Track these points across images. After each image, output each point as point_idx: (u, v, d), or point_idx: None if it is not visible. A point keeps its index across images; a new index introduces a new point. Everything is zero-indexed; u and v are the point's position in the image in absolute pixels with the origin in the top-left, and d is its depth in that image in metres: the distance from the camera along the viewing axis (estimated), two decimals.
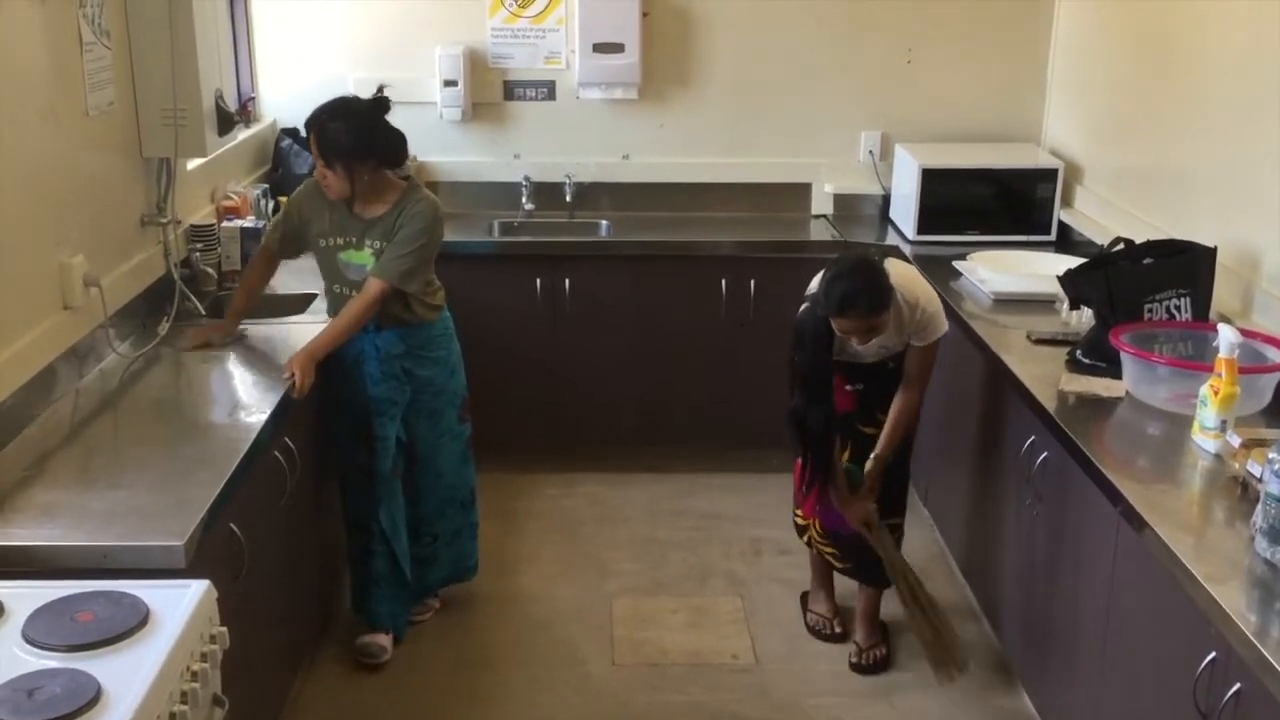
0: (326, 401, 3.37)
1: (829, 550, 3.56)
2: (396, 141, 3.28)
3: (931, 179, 4.47)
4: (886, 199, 4.87)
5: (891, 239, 4.60)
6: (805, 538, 3.63)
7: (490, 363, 4.43)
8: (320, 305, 3.59)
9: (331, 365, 3.27)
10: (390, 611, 3.54)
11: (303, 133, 3.47)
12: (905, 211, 4.60)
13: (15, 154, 2.78)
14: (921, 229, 4.50)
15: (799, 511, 3.61)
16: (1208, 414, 2.66)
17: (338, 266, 3.33)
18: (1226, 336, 2.69)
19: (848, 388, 3.36)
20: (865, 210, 4.93)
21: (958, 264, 4.08)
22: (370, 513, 3.44)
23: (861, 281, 3.03)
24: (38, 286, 2.90)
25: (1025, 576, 3.25)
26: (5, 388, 2.68)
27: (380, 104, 3.25)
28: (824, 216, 4.89)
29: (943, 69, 4.81)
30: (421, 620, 3.70)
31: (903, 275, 3.23)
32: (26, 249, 2.84)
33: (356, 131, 3.18)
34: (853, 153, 4.91)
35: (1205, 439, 2.67)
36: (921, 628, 3.32)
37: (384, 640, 3.53)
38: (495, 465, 4.46)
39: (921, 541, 4.05)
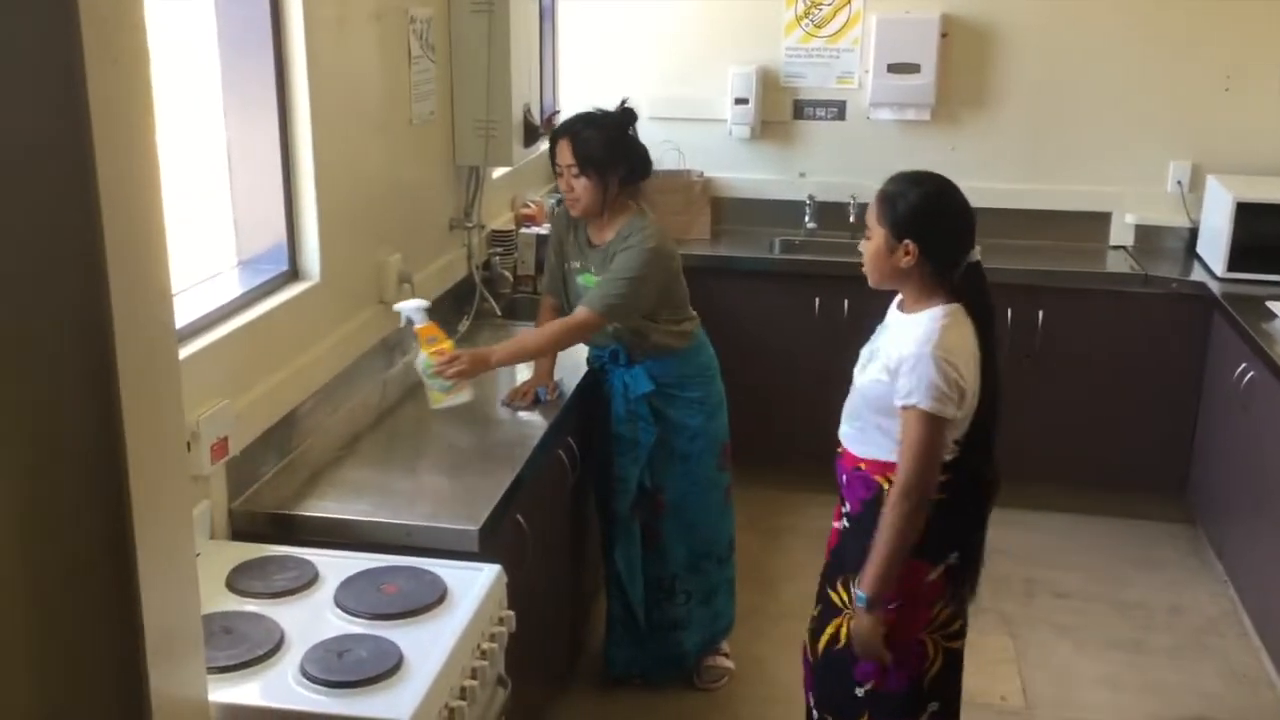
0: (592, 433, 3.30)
1: None
2: (644, 153, 3.20)
3: (1247, 214, 4.19)
4: (1193, 232, 4.60)
5: (1198, 274, 4.33)
6: None
7: (764, 379, 4.46)
8: None
9: (590, 396, 3.25)
10: (626, 657, 3.41)
11: (544, 146, 3.42)
12: (1214, 247, 4.31)
13: (352, 160, 3.02)
14: (1232, 266, 4.22)
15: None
16: None
17: (579, 290, 3.21)
18: None
19: (835, 524, 2.63)
20: (1169, 243, 4.66)
21: (1271, 304, 3.83)
22: (606, 553, 3.36)
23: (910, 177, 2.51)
24: (358, 281, 3.13)
25: None
26: (323, 374, 2.90)
27: (628, 115, 3.17)
28: (1123, 248, 4.66)
29: (1265, 95, 4.49)
30: (717, 687, 3.46)
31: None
32: (352, 246, 3.07)
33: (610, 140, 3.09)
34: (1159, 182, 4.65)
35: None
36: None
37: (725, 662, 3.51)
38: (763, 483, 4.47)
39: (1211, 596, 3.80)
